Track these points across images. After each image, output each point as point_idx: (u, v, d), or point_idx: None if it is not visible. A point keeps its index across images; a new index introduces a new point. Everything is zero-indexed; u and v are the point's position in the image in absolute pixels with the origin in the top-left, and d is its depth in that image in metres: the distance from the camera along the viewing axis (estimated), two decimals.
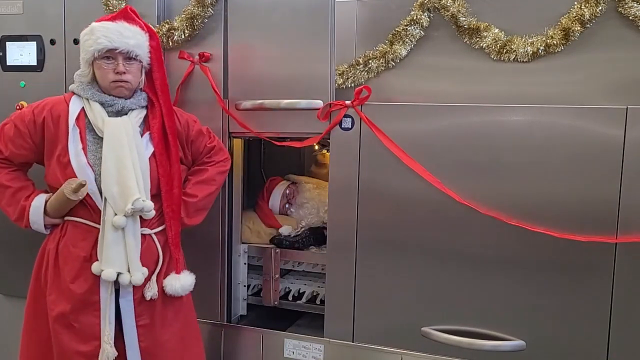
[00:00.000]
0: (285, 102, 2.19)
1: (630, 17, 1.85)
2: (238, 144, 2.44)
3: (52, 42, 2.49)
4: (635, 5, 1.83)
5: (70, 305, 1.85)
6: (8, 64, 2.55)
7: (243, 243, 2.55)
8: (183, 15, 2.29)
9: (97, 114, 1.89)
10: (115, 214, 1.83)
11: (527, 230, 1.94)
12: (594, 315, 1.95)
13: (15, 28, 2.53)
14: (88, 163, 1.85)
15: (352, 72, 2.13)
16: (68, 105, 1.91)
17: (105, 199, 1.84)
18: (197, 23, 2.28)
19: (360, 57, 2.13)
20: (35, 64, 2.52)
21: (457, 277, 2.07)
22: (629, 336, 1.92)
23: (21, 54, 2.53)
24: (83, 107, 1.91)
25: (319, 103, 2.15)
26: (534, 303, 2.00)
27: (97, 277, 1.85)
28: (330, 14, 2.12)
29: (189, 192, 2.04)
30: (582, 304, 1.95)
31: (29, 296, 1.99)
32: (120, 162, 1.85)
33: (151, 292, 1.90)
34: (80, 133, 1.87)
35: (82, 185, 1.81)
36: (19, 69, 2.54)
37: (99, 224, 1.86)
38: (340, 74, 2.14)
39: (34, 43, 2.51)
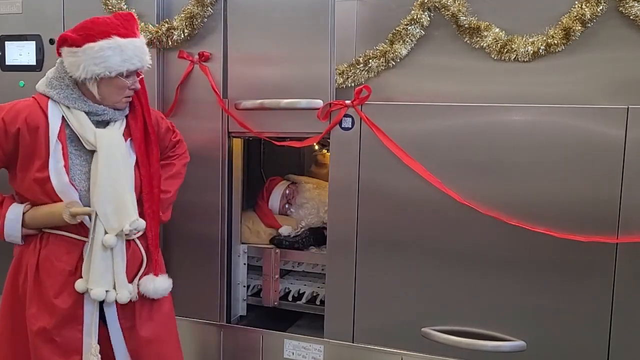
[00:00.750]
0: (285, 101, 2.18)
1: (631, 17, 1.84)
2: (238, 143, 2.43)
3: (52, 41, 2.48)
4: (636, 4, 1.83)
5: (53, 320, 1.77)
6: (7, 63, 2.55)
7: (243, 243, 2.54)
8: (182, 15, 2.28)
9: (86, 126, 1.79)
10: (106, 232, 1.76)
11: (527, 230, 1.93)
12: (594, 315, 1.94)
13: (14, 27, 2.53)
14: (70, 182, 1.75)
15: (352, 71, 2.12)
16: (46, 115, 1.76)
17: (96, 216, 1.76)
18: (196, 22, 2.28)
19: (360, 57, 2.12)
20: (34, 63, 2.51)
21: (457, 277, 2.07)
22: (629, 336, 1.92)
23: (20, 53, 2.53)
24: (62, 117, 1.78)
25: (319, 103, 2.15)
26: (534, 303, 2.00)
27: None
28: (330, 14, 2.12)
29: (162, 188, 1.99)
30: (582, 304, 1.95)
31: (3, 308, 1.88)
32: (115, 180, 1.78)
33: (132, 294, 1.84)
34: (62, 148, 1.75)
35: (87, 214, 1.74)
36: (18, 68, 2.53)
37: (84, 237, 1.79)
38: (340, 74, 2.14)
39: (33, 43, 2.51)
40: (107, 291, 1.78)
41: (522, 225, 1.94)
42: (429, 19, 2.04)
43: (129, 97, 1.86)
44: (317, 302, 2.49)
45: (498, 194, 1.99)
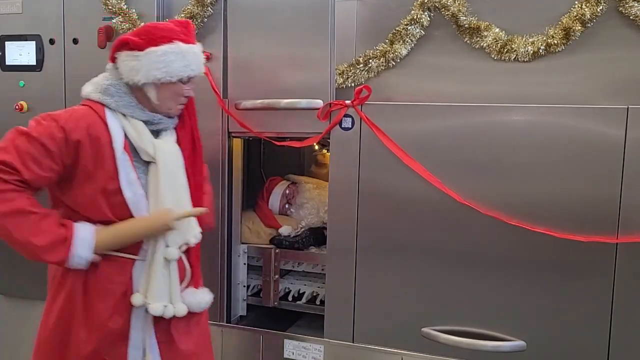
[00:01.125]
0: (285, 101, 2.18)
1: (631, 17, 1.85)
2: (238, 143, 2.43)
3: (52, 41, 2.49)
4: (636, 4, 1.83)
5: (105, 341, 1.73)
6: (7, 63, 2.56)
7: (243, 243, 2.54)
8: (182, 15, 2.28)
9: (144, 136, 1.72)
10: (167, 246, 1.73)
11: (527, 230, 1.93)
12: (594, 315, 1.94)
13: (14, 27, 2.53)
14: (147, 195, 1.71)
15: (352, 71, 2.12)
16: (106, 124, 1.68)
17: None
18: (196, 22, 2.28)
19: (360, 57, 2.12)
20: (34, 63, 2.52)
21: (457, 277, 2.07)
22: (629, 336, 1.92)
23: (20, 53, 2.53)
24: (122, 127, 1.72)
25: (319, 103, 2.15)
26: (534, 303, 2.00)
27: (130, 308, 1.73)
28: (330, 14, 2.12)
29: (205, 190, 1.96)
30: (582, 304, 1.95)
31: (45, 336, 1.77)
32: (176, 192, 1.75)
33: None
34: (129, 160, 1.69)
35: (195, 215, 1.74)
36: (18, 68, 2.54)
37: (136, 255, 1.74)
38: (340, 74, 2.14)
39: (33, 43, 2.51)
40: (165, 306, 1.73)
41: (522, 225, 1.94)
42: (429, 19, 2.04)
43: (182, 104, 1.81)
44: (317, 302, 2.49)
45: (498, 194, 1.99)
